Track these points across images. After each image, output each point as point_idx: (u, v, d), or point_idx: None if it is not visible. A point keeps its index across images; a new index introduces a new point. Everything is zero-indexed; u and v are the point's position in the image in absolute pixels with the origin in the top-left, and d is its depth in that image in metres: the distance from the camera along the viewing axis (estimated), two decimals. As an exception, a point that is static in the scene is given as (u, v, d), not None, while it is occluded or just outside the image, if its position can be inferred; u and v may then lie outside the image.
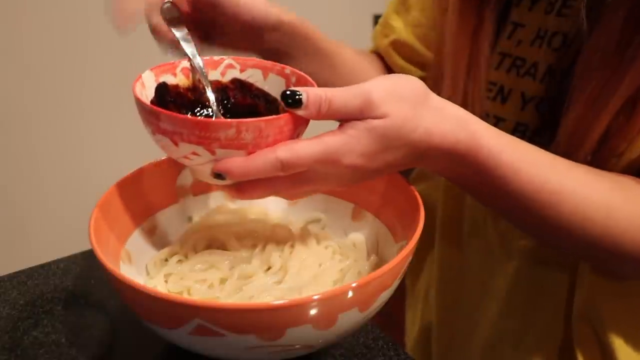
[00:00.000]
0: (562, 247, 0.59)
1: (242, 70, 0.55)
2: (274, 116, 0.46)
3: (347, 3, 1.67)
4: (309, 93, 0.46)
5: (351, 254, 0.58)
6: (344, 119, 0.47)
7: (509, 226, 0.67)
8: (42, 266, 0.66)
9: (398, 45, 0.75)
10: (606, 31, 0.54)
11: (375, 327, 0.58)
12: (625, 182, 0.55)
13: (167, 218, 0.61)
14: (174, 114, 0.46)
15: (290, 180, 0.48)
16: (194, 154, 0.46)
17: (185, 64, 0.54)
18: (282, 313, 0.43)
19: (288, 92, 0.46)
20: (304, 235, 0.60)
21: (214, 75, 0.55)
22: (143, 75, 0.51)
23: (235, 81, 0.56)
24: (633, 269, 0.56)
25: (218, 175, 0.47)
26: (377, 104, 0.46)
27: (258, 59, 0.56)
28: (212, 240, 0.60)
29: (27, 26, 1.16)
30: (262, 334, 0.44)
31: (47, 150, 1.27)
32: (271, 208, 0.64)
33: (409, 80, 0.48)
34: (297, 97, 0.46)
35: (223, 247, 0.60)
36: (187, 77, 0.54)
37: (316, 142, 0.46)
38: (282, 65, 0.54)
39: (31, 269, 0.66)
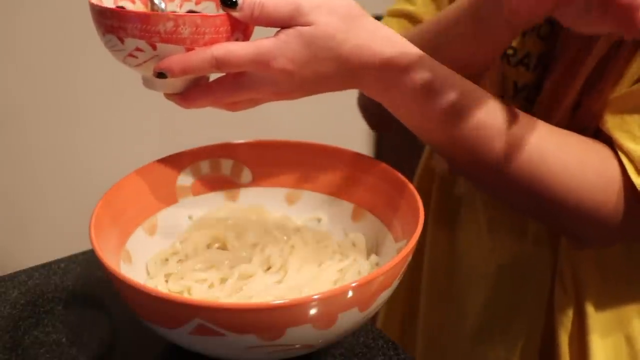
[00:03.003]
0: (496, 191, 0.59)
1: (197, 3, 0.58)
2: (210, 14, 0.50)
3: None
4: None
5: (351, 253, 0.58)
6: (276, 25, 0.50)
7: (497, 210, 0.69)
8: (42, 266, 0.66)
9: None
10: None
11: (375, 327, 0.58)
12: (564, 131, 0.55)
13: (167, 218, 0.61)
14: (119, 9, 0.50)
15: (228, 85, 0.52)
16: (138, 49, 0.50)
17: None
18: (282, 313, 0.43)
19: None
20: (304, 235, 0.60)
21: (171, 7, 0.58)
22: None
23: (191, 12, 0.58)
24: (568, 221, 0.56)
25: (160, 74, 0.50)
26: (306, 12, 0.49)
27: None
28: (212, 240, 0.61)
29: (26, 26, 1.16)
30: (262, 333, 0.44)
31: (47, 150, 1.27)
32: (271, 207, 0.64)
33: None
34: None
35: (223, 246, 0.60)
36: (145, 5, 0.57)
37: (249, 44, 0.49)
38: None
39: (32, 268, 0.66)
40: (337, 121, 1.40)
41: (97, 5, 0.50)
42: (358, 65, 0.51)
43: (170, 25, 0.48)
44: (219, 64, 0.49)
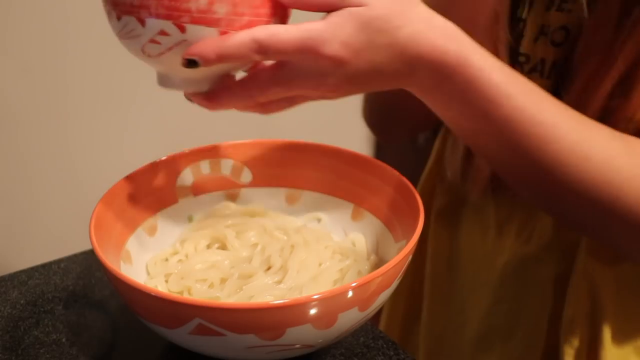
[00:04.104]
0: (551, 199, 0.53)
1: None
2: None
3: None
4: None
5: (351, 253, 0.58)
6: (323, 9, 0.44)
7: (506, 216, 0.67)
8: (42, 266, 0.66)
9: None
10: (607, 7, 0.54)
11: (375, 327, 0.58)
12: (624, 135, 0.51)
13: (167, 218, 0.61)
14: None
15: (264, 80, 0.45)
16: (163, 33, 0.43)
17: None
18: (282, 313, 0.43)
19: None
20: (304, 235, 0.60)
21: None
22: None
23: None
24: (632, 235, 0.51)
25: (190, 62, 0.43)
26: None
27: None
28: (213, 239, 0.61)
29: (26, 25, 1.16)
30: (262, 333, 0.44)
31: (47, 150, 1.27)
32: (271, 207, 0.64)
33: None
34: None
35: (223, 246, 0.60)
36: None
37: (295, 26, 0.43)
38: None
39: (32, 268, 0.66)
40: (337, 121, 1.40)
41: None
42: (415, 56, 0.45)
43: (203, 2, 0.42)
44: (260, 49, 0.42)
